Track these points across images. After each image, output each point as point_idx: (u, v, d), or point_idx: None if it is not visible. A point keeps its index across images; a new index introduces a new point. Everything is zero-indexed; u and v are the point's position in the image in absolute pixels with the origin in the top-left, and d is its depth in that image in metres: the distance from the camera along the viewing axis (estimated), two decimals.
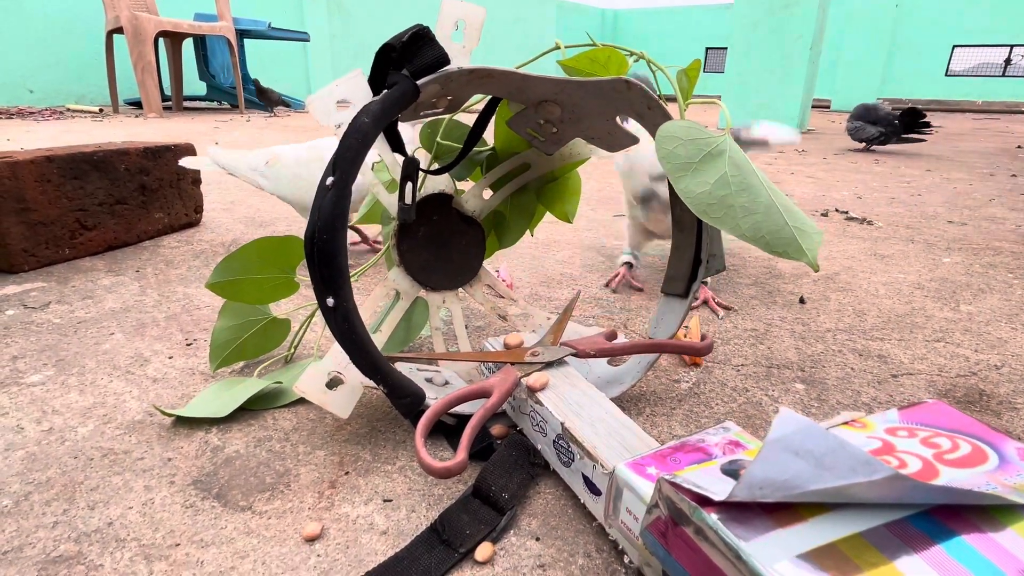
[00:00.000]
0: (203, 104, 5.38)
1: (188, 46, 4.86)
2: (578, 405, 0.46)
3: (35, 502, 0.43)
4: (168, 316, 0.77)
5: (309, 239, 0.42)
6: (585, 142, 0.65)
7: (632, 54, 0.57)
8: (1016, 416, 0.57)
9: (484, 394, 0.47)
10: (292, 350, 0.65)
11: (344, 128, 0.48)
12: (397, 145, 0.56)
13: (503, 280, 0.91)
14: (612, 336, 0.55)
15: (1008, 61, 9.50)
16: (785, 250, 0.43)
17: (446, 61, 0.46)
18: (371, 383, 0.50)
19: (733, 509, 0.22)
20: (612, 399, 0.56)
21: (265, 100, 4.64)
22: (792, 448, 0.21)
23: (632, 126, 0.65)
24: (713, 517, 0.22)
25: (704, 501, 0.23)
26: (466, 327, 0.73)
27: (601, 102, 0.55)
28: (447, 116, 0.63)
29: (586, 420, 0.44)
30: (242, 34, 4.83)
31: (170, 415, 0.53)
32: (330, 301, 0.42)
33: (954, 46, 9.48)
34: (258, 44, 5.83)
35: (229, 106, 5.17)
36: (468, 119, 0.62)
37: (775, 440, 0.22)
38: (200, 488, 0.45)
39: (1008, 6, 8.95)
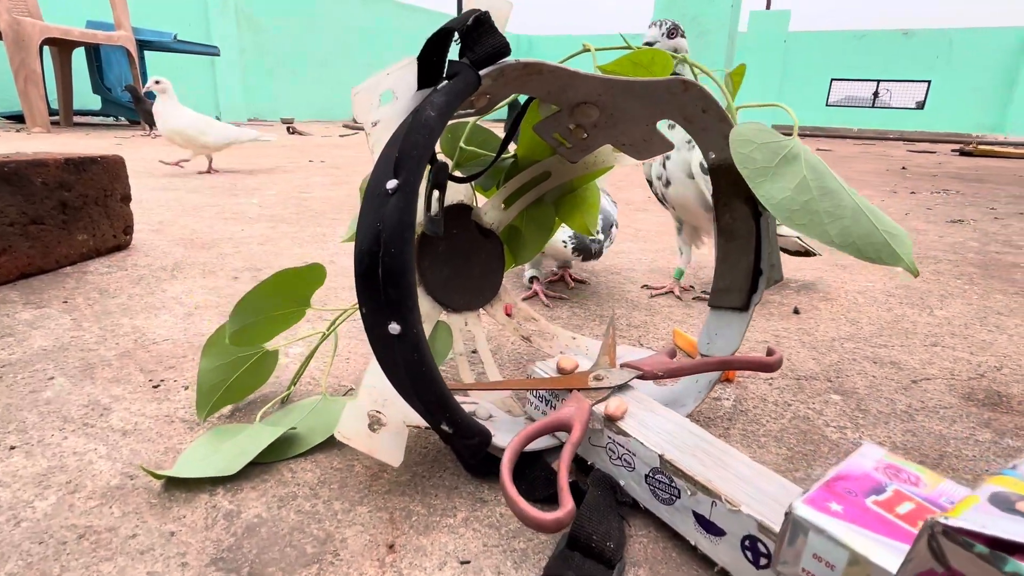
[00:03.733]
0: (97, 120, 4.92)
1: (79, 56, 4.44)
2: (668, 433, 0.41)
3: None
4: (120, 354, 0.64)
5: (369, 254, 0.35)
6: (613, 149, 0.62)
7: (675, 58, 0.55)
8: None
9: (562, 427, 0.41)
10: (291, 387, 0.56)
11: (381, 127, 0.41)
12: None
13: None
14: (672, 354, 0.51)
15: (876, 94, 10.69)
16: (879, 255, 0.41)
17: (507, 51, 0.41)
18: (419, 423, 0.43)
19: None
20: None
21: (141, 112, 3.79)
22: None
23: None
24: None
25: (1010, 548, 0.19)
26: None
27: (646, 105, 0.52)
28: (472, 119, 0.57)
29: (685, 450, 0.39)
30: (143, 45, 4.48)
31: (161, 477, 0.43)
32: (395, 327, 0.35)
33: (832, 79, 10.55)
34: (160, 57, 5.44)
35: (128, 122, 4.75)
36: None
37: None
38: (224, 569, 0.36)
39: (875, 47, 10.10)
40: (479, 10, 0.40)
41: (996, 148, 5.29)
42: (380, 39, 8.33)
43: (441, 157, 0.59)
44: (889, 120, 10.38)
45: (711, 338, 0.54)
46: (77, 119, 4.69)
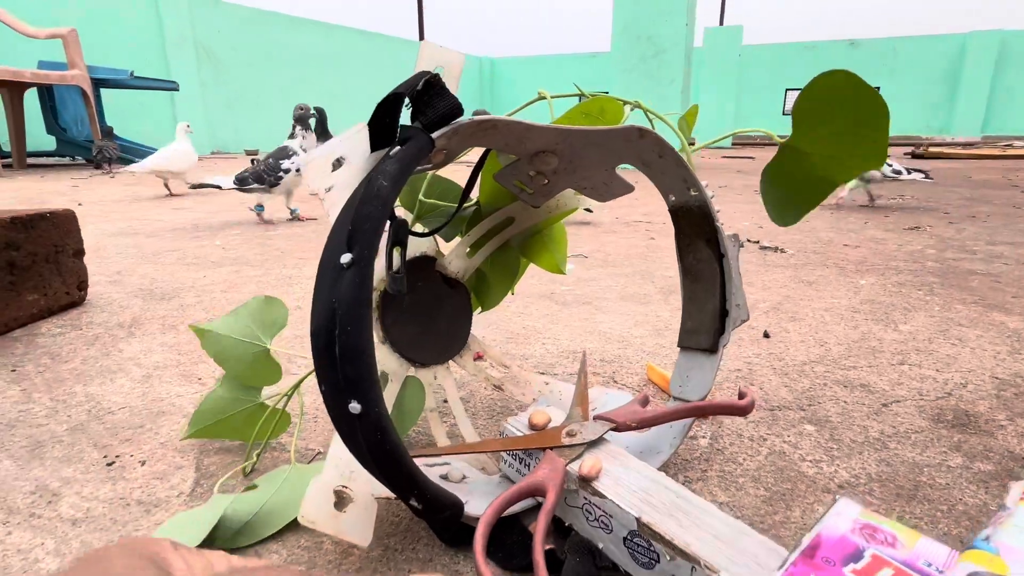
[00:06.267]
0: (52, 160, 4.79)
1: (32, 96, 4.33)
2: (644, 491, 0.40)
3: None
4: (71, 427, 0.61)
5: (325, 331, 0.34)
6: (575, 192, 0.62)
7: (626, 103, 0.55)
8: (1005, 432, 0.60)
9: (536, 492, 0.40)
10: (255, 460, 0.53)
11: (336, 193, 0.40)
12: None
13: None
14: (644, 402, 0.50)
15: None
16: None
17: (459, 112, 0.41)
18: (389, 494, 0.41)
19: None
20: None
21: (99, 156, 3.78)
22: None
23: None
24: None
25: None
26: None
27: (603, 152, 0.52)
28: (431, 171, 0.56)
29: (662, 510, 0.38)
30: (99, 83, 4.39)
31: None
32: (355, 407, 0.34)
33: (787, 89, 10.90)
34: (116, 94, 5.34)
35: (85, 161, 4.64)
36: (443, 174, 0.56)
37: None
38: None
39: (825, 57, 10.44)
40: (428, 73, 0.40)
41: (945, 149, 5.51)
42: (340, 66, 8.34)
43: (401, 211, 0.59)
44: None
45: (683, 380, 0.54)
46: (31, 160, 4.56)
